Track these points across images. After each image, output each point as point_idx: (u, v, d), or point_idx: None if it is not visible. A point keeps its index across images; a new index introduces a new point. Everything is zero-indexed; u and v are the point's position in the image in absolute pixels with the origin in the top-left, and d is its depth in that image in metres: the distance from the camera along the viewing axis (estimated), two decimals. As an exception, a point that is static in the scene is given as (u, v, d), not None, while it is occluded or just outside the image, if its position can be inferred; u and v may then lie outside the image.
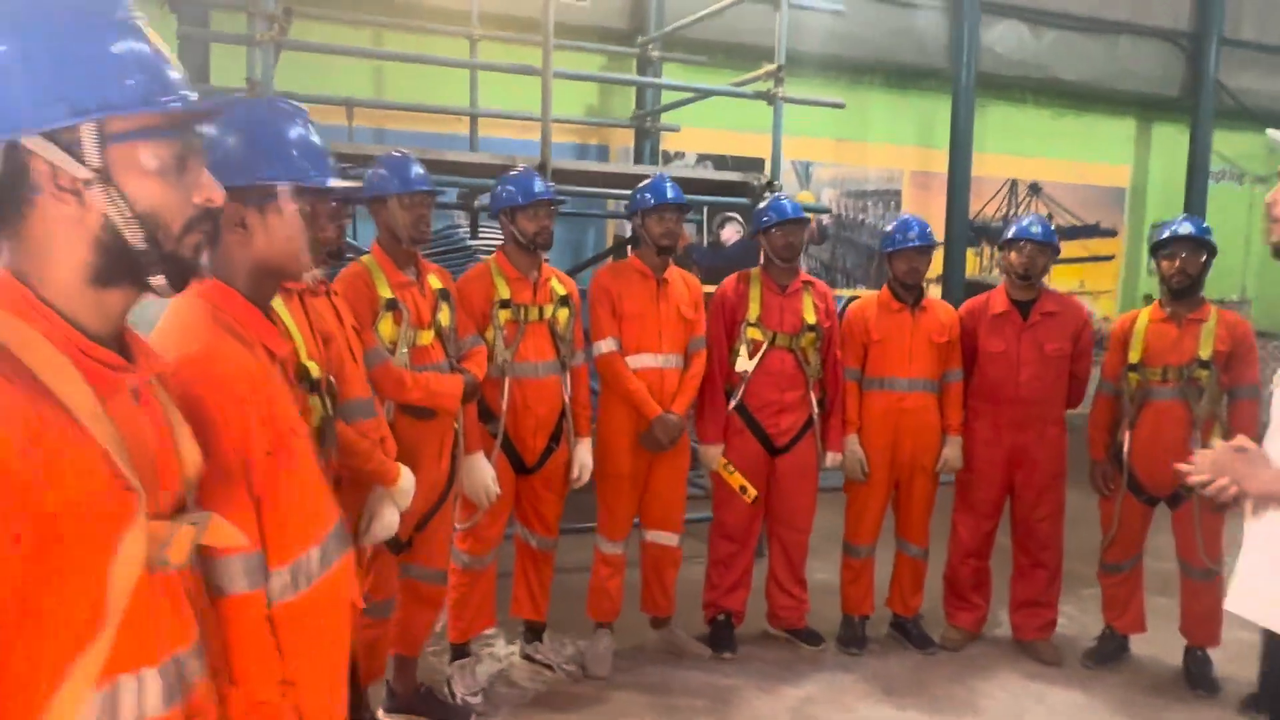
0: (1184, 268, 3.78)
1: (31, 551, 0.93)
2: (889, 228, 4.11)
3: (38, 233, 1.03)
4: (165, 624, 1.11)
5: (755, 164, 7.60)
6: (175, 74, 1.09)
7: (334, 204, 2.59)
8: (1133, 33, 8.82)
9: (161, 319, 1.46)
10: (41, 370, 0.99)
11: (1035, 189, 9.06)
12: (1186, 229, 3.82)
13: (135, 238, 1.05)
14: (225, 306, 1.49)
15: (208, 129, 1.51)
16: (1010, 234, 4.03)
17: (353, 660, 1.89)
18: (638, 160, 7.01)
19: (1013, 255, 3.99)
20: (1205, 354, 3.74)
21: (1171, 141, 9.37)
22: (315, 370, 2.04)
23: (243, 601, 1.36)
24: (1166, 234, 3.86)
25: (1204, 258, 3.81)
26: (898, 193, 8.52)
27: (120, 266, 1.06)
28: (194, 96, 1.10)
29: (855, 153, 8.31)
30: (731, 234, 7.94)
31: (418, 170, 3.07)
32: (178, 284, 1.11)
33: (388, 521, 2.60)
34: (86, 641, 0.99)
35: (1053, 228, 4.08)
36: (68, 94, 0.99)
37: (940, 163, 8.23)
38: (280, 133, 1.53)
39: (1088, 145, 9.23)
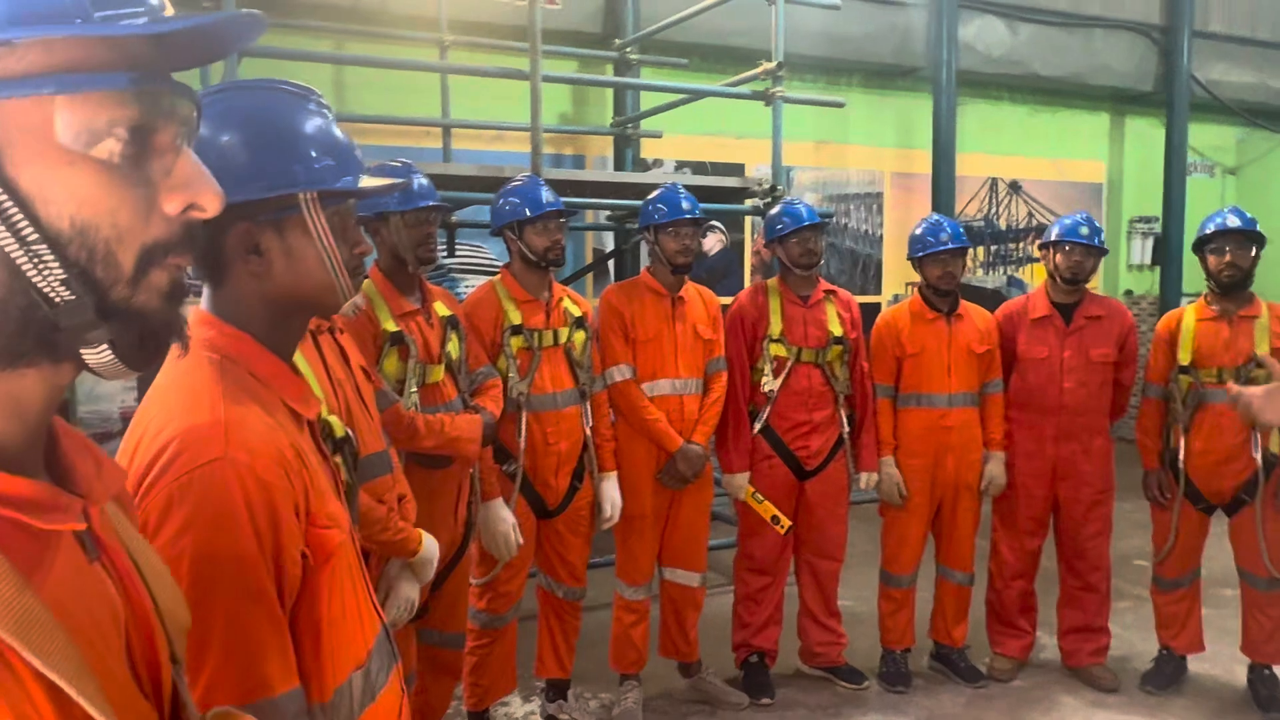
0: (1234, 261, 3.55)
1: None
2: (917, 230, 3.83)
3: None
4: None
5: (736, 169, 7.36)
6: None
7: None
8: (1106, 26, 8.73)
9: (154, 384, 1.08)
10: None
11: (1015, 187, 8.91)
12: (1234, 222, 3.59)
13: (47, 277, 0.60)
14: (241, 360, 1.11)
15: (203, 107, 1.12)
16: (1054, 235, 3.77)
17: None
18: (618, 168, 6.69)
19: (1058, 258, 3.74)
20: (1262, 350, 3.51)
21: (1146, 135, 9.30)
22: (339, 429, 1.67)
23: None
24: (1211, 228, 3.63)
25: (1253, 250, 3.58)
26: (879, 195, 8.31)
27: (25, 332, 0.61)
28: (165, 11, 0.64)
29: (835, 155, 8.09)
30: (714, 242, 7.64)
31: (422, 182, 2.69)
32: (135, 357, 0.65)
33: (406, 598, 2.25)
34: None
35: (1100, 225, 3.83)
36: None
37: (922, 163, 8.02)
38: (293, 124, 1.14)
39: (1064, 142, 9.12)
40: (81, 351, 0.63)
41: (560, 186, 5.08)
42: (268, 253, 1.12)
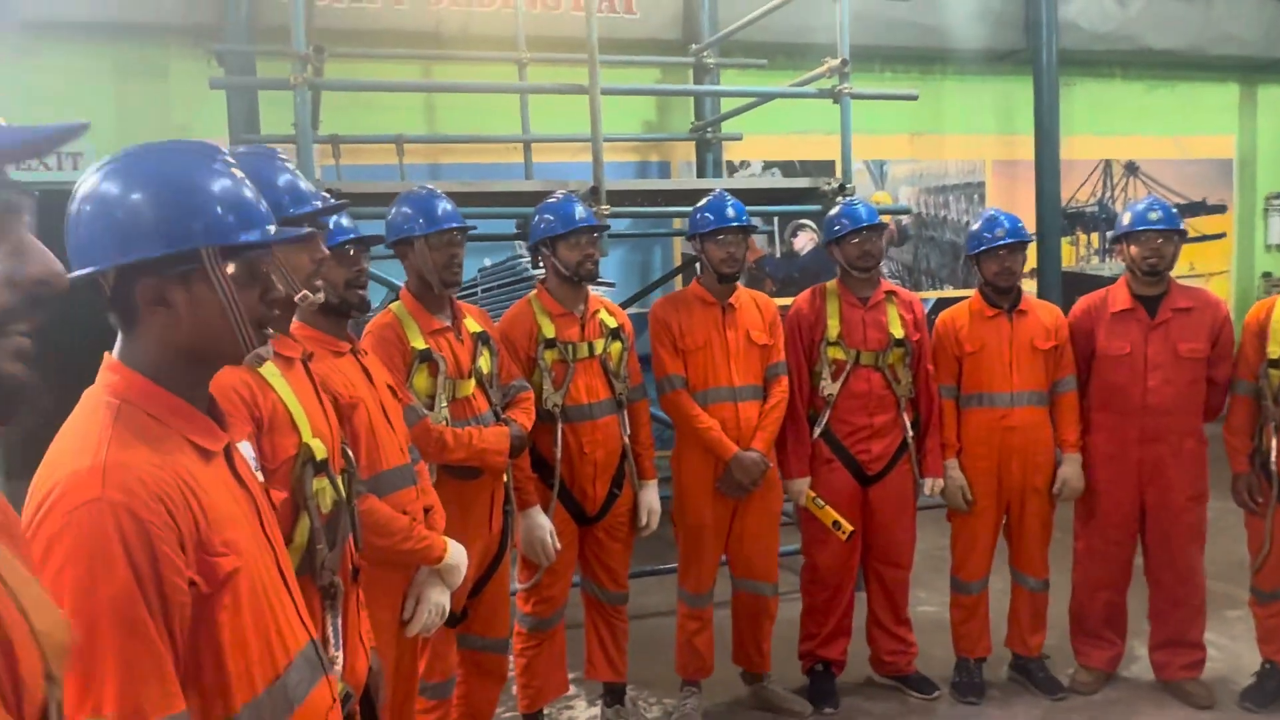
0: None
1: None
2: (974, 226, 3.70)
3: None
4: None
5: (827, 167, 7.25)
6: None
7: (348, 248, 2.35)
8: (1230, -10, 8.19)
9: (61, 427, 1.18)
10: None
11: (1132, 168, 8.45)
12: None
13: None
14: (139, 403, 1.19)
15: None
16: (1126, 223, 3.55)
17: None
18: (700, 174, 6.72)
19: (1133, 249, 3.53)
20: (1364, 341, 3.23)
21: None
22: (321, 451, 1.76)
23: None
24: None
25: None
26: (981, 184, 8.04)
27: None
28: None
29: (932, 146, 7.89)
30: (806, 241, 7.56)
31: (445, 206, 2.79)
32: (2, 418, 0.76)
33: (436, 603, 2.34)
34: None
35: (1172, 208, 3.59)
36: None
37: (1025, 149, 7.75)
38: (194, 183, 1.21)
39: (1187, 117, 8.61)
40: None
41: (637, 197, 5.19)
42: (174, 305, 1.20)
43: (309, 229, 1.60)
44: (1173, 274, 3.62)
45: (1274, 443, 3.37)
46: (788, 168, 7.35)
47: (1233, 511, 3.60)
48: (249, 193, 1.27)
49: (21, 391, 0.76)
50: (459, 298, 3.02)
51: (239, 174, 1.27)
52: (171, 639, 1.11)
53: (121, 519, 1.08)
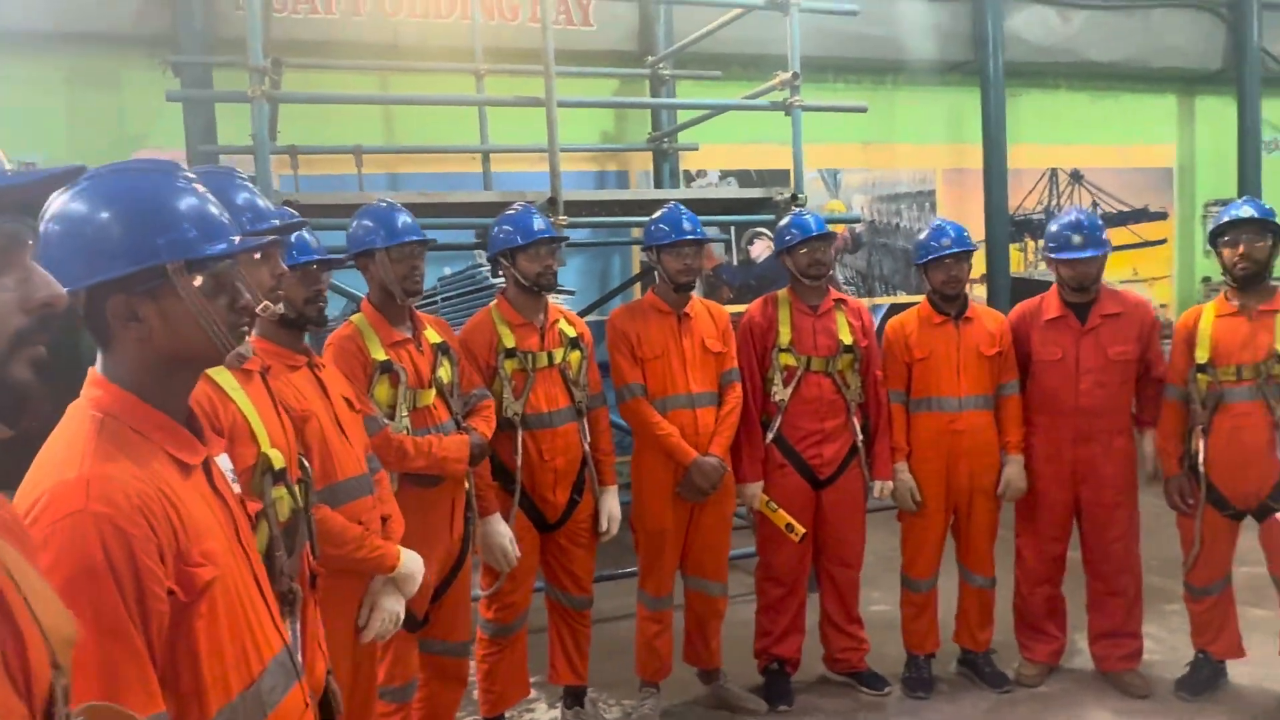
0: (1249, 254, 3.44)
1: None
2: (922, 236, 3.83)
3: None
4: None
5: (782, 176, 7.34)
6: None
7: (312, 265, 2.40)
8: (1167, 6, 8.45)
9: (49, 437, 1.23)
10: None
11: (1077, 177, 8.68)
12: (1247, 211, 3.48)
13: None
14: (122, 416, 1.24)
15: (54, 209, 1.24)
16: (1052, 250, 3.69)
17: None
18: (658, 183, 6.81)
19: (1062, 269, 3.68)
20: (1285, 346, 3.41)
21: (1217, 115, 8.92)
22: (279, 461, 1.82)
23: None
24: (1226, 219, 3.52)
25: (1270, 241, 3.46)
26: (932, 193, 8.20)
27: None
28: (3, 168, 0.83)
29: (884, 156, 8.02)
30: (762, 249, 7.66)
31: (405, 219, 2.85)
32: (10, 417, 0.85)
33: (389, 611, 2.38)
34: None
35: (1099, 220, 3.75)
36: None
37: (974, 158, 7.90)
38: (157, 201, 1.26)
39: (1128, 127, 8.82)
40: None
41: (595, 207, 5.26)
42: (146, 319, 1.25)
43: (270, 238, 1.65)
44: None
45: (1201, 445, 3.54)
46: (744, 177, 7.45)
47: (1170, 511, 3.73)
48: (212, 207, 1.31)
49: (30, 397, 0.85)
50: (420, 305, 3.08)
51: (201, 190, 1.32)
52: (150, 646, 1.15)
53: (104, 531, 1.13)
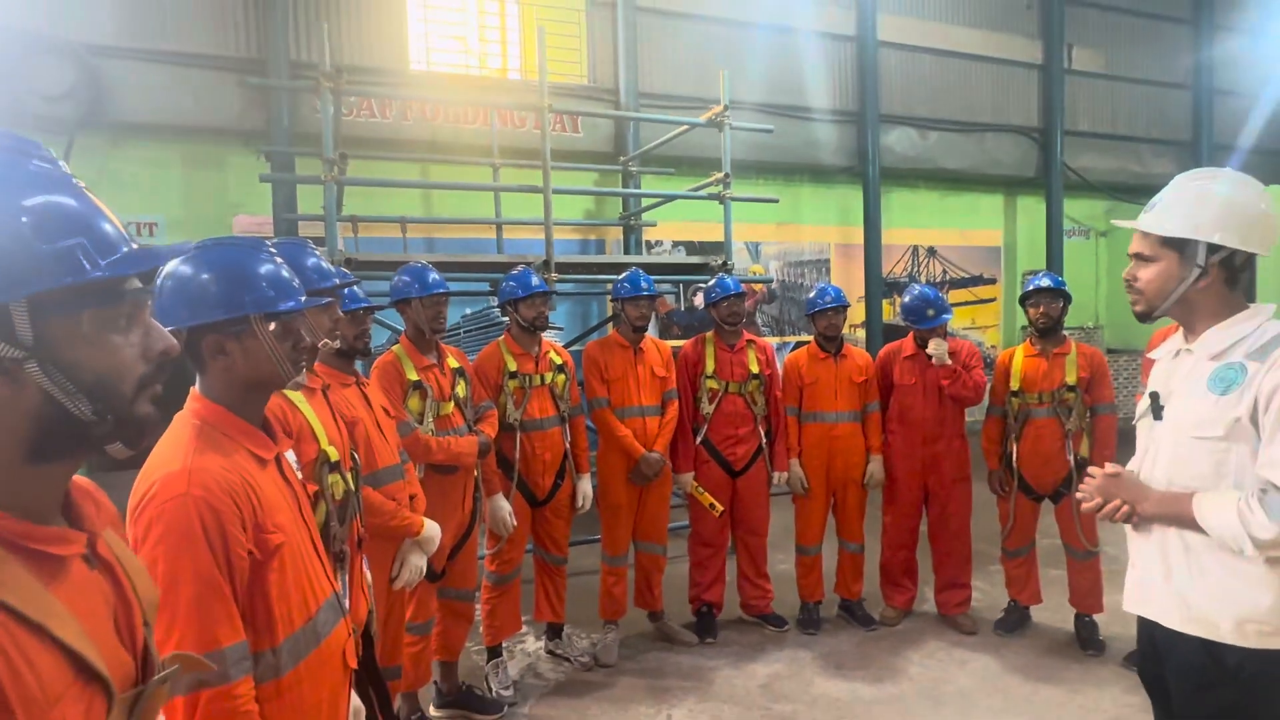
0: (1046, 313, 3.56)
1: None
2: (811, 294, 3.89)
3: None
4: None
5: (718, 246, 7.45)
6: (110, 227, 0.75)
7: (360, 311, 2.42)
8: (996, 130, 8.71)
9: (160, 438, 1.25)
10: None
11: (932, 251, 8.87)
12: (1045, 283, 3.60)
13: (82, 410, 0.73)
14: (214, 423, 1.27)
15: (168, 273, 1.27)
16: (913, 321, 3.74)
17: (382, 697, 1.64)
18: (626, 250, 6.85)
19: (911, 334, 3.79)
20: (1070, 380, 3.51)
21: (1032, 210, 9.20)
22: (334, 454, 1.83)
23: (220, 694, 1.14)
24: (1031, 287, 3.64)
25: (1061, 304, 3.58)
26: (827, 261, 8.34)
27: (64, 441, 0.74)
28: (133, 248, 0.77)
29: (793, 233, 8.15)
30: (702, 300, 7.73)
31: (434, 276, 2.87)
32: (135, 445, 0.79)
33: (414, 565, 2.39)
34: None
35: (939, 294, 3.81)
36: None
37: (858, 237, 8.08)
38: (248, 268, 1.29)
39: (969, 216, 9.06)
40: (102, 447, 0.77)
41: (579, 268, 5.29)
42: (231, 353, 1.28)
43: (328, 298, 1.68)
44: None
45: (1014, 448, 3.64)
46: (690, 246, 7.53)
47: (992, 495, 3.80)
48: (286, 273, 1.34)
49: (152, 427, 0.82)
50: (447, 337, 3.07)
51: (279, 260, 1.36)
52: (234, 592, 1.18)
53: (202, 509, 1.16)
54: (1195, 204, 1.57)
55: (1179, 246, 1.58)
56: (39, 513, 0.76)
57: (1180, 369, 1.64)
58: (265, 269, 1.31)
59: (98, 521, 0.84)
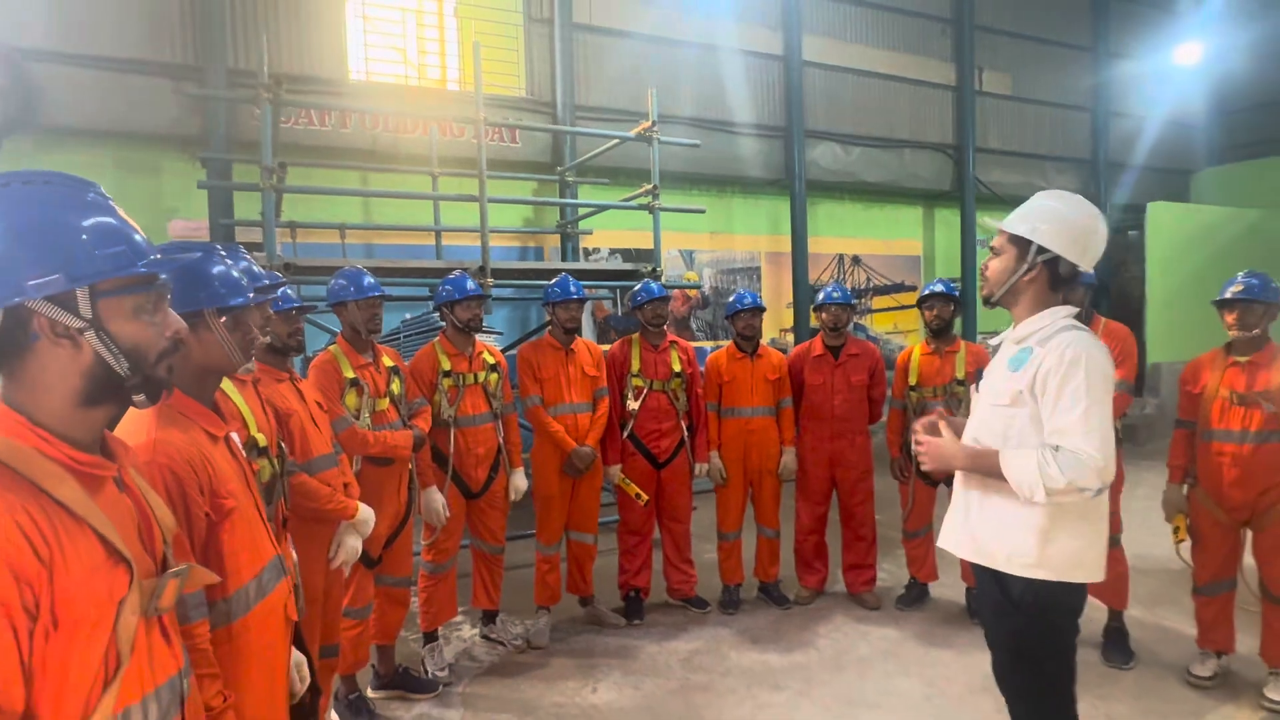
0: (939, 314, 3.89)
1: (51, 623, 0.90)
2: (731, 299, 4.11)
3: (33, 369, 0.98)
4: (160, 657, 1.07)
5: (650, 254, 7.70)
6: (141, 238, 1.06)
7: (292, 311, 2.56)
8: (914, 146, 9.18)
9: (124, 415, 1.42)
10: (42, 480, 0.95)
11: (856, 260, 9.29)
12: (939, 288, 3.93)
13: (121, 368, 1.02)
14: (172, 403, 1.44)
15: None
16: (818, 300, 4.08)
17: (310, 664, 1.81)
18: (564, 258, 7.01)
19: (824, 315, 4.06)
20: (960, 375, 3.86)
21: (948, 221, 9.69)
22: (262, 440, 1.99)
23: (191, 630, 1.32)
24: (926, 292, 3.97)
25: (952, 307, 3.92)
26: (757, 268, 8.65)
27: (108, 390, 1.03)
28: (157, 256, 1.07)
29: (725, 241, 8.42)
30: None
31: (369, 280, 3.02)
32: (154, 399, 1.08)
33: (350, 547, 2.52)
34: (103, 683, 0.96)
35: (849, 290, 4.15)
36: (64, 267, 0.96)
37: (786, 246, 8.41)
38: (205, 270, 1.47)
39: (890, 227, 9.47)
40: (132, 397, 1.06)
41: (516, 274, 5.46)
42: (188, 342, 1.42)
43: (265, 297, 1.84)
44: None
45: (914, 439, 3.94)
46: (626, 254, 7.71)
47: (894, 482, 4.12)
48: (235, 273, 1.53)
49: (167, 386, 1.09)
50: (387, 340, 3.20)
51: (229, 263, 1.55)
52: (193, 546, 1.36)
53: (165, 475, 1.35)
54: (1039, 214, 1.92)
55: (1020, 245, 1.91)
56: (86, 445, 1.04)
57: (1000, 352, 1.98)
58: (217, 270, 1.49)
59: (124, 460, 1.12)
